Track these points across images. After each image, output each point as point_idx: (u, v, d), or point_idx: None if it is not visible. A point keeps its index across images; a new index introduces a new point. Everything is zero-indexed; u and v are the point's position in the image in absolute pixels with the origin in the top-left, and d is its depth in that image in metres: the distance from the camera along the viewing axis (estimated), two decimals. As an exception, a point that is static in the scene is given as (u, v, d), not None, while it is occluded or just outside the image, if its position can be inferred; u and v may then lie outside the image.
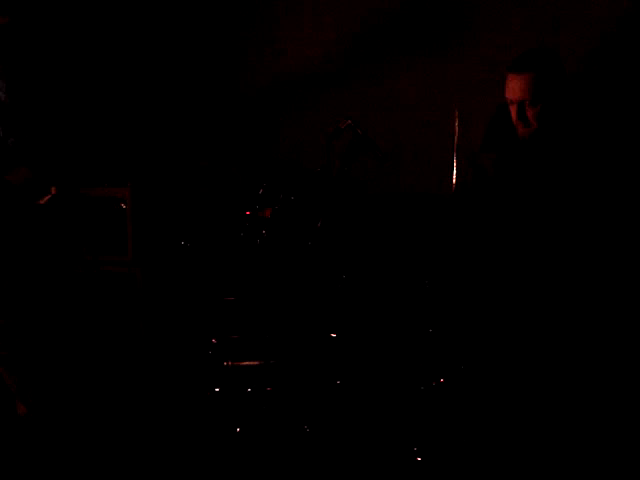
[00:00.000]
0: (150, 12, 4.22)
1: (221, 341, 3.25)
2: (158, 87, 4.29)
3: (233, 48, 4.19)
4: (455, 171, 2.98)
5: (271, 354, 3.15)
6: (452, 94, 3.56)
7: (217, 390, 3.14)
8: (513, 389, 2.73)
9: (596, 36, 3.45)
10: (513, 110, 2.76)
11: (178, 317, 3.69)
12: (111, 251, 3.88)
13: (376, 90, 3.90)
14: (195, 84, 4.27)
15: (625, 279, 2.69)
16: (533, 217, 2.75)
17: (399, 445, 2.84)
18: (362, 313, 3.07)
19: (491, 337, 2.79)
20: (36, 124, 3.01)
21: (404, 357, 2.99)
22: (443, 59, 3.77)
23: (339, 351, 3.05)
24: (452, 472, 2.76)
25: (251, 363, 3.18)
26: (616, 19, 3.41)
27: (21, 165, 2.95)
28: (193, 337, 3.48)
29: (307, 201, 3.06)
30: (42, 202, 2.97)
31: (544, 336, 2.69)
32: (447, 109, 3.11)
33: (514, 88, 2.73)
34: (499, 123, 2.93)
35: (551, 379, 2.69)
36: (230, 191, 3.76)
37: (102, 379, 3.58)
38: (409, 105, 3.85)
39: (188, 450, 2.99)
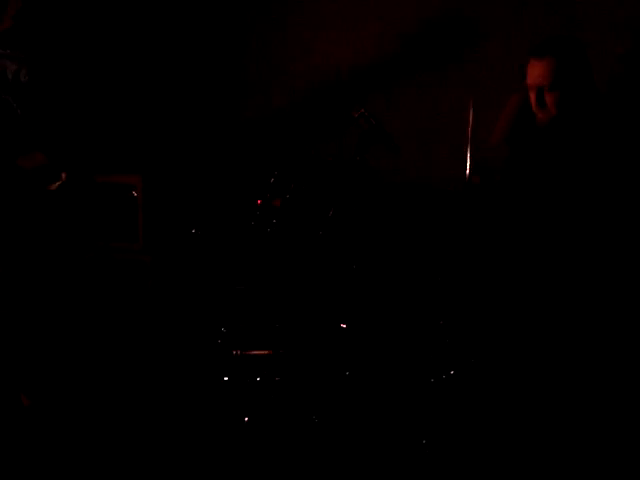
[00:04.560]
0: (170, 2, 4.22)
1: (230, 330, 3.24)
2: (173, 75, 4.28)
3: (244, 38, 4.18)
4: (469, 161, 2.95)
5: (280, 344, 3.14)
6: (468, 84, 3.55)
7: (226, 379, 3.13)
8: (522, 383, 2.71)
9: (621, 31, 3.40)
10: (532, 96, 2.73)
11: (188, 305, 3.69)
12: (122, 238, 3.88)
13: (389, 79, 3.88)
14: (208, 74, 4.25)
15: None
16: (549, 206, 2.72)
17: (407, 437, 2.83)
18: (372, 304, 3.06)
19: (502, 331, 2.77)
20: (52, 109, 3.01)
21: (414, 349, 2.97)
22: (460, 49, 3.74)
23: (349, 342, 3.04)
24: (460, 465, 2.74)
25: (260, 352, 3.17)
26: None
27: (36, 150, 2.95)
28: (202, 325, 3.47)
29: (319, 190, 3.05)
30: (53, 188, 2.97)
31: (556, 331, 2.67)
32: (462, 99, 3.08)
33: (534, 73, 2.70)
34: (523, 113, 2.89)
35: (561, 374, 2.66)
36: (241, 180, 3.75)
37: (111, 367, 3.57)
38: (423, 94, 3.82)
39: (196, 439, 2.99)
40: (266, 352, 3.16)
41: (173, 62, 4.27)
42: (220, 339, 3.23)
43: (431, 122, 3.79)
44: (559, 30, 3.42)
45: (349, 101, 3.69)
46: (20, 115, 2.96)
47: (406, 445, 2.81)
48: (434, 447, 2.77)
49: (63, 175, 2.99)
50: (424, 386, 2.91)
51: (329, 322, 3.07)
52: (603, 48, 3.34)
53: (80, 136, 3.18)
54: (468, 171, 2.91)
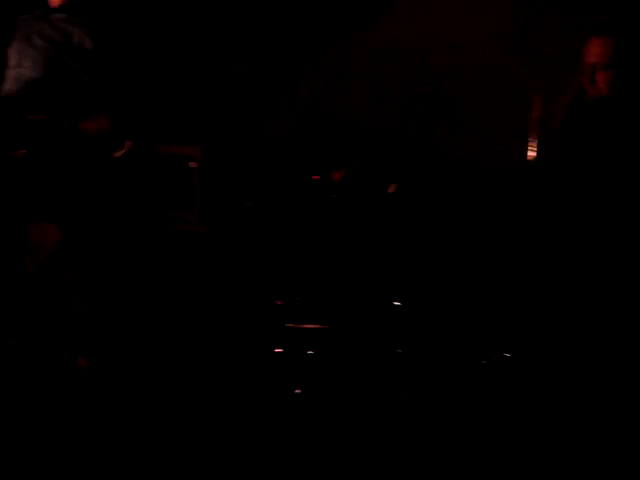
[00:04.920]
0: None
1: (285, 303, 3.27)
2: (234, 48, 4.29)
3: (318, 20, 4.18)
4: (532, 143, 2.93)
5: (334, 319, 3.16)
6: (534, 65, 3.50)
7: (278, 351, 3.16)
8: (577, 371, 2.69)
9: None
10: (586, 74, 2.70)
11: (242, 277, 3.72)
12: (178, 208, 3.92)
13: (453, 56, 3.85)
14: (267, 45, 4.26)
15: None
16: (600, 187, 2.68)
17: (455, 416, 2.83)
18: (429, 283, 3.06)
19: (561, 317, 2.74)
20: (116, 77, 3.03)
21: (468, 329, 2.97)
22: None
23: (402, 319, 3.05)
24: (509, 444, 2.73)
25: (313, 326, 3.19)
26: None
27: (101, 114, 2.98)
28: (257, 298, 3.50)
29: (380, 167, 3.04)
30: (118, 155, 3.00)
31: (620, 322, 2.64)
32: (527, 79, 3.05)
33: (590, 51, 2.68)
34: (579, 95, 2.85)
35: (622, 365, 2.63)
36: (301, 154, 3.75)
37: (164, 334, 3.62)
38: (488, 72, 3.79)
39: (247, 408, 3.02)
40: (319, 326, 3.18)
41: (240, 33, 4.28)
42: (274, 312, 3.26)
43: (497, 102, 3.76)
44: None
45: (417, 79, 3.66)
46: (85, 81, 2.99)
47: (454, 424, 2.82)
48: (482, 427, 2.77)
49: (128, 143, 3.01)
50: (475, 367, 2.91)
51: (384, 299, 3.08)
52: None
53: (142, 105, 3.20)
54: (529, 153, 2.89)
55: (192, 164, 3.84)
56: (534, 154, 2.98)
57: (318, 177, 3.24)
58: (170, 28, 4.16)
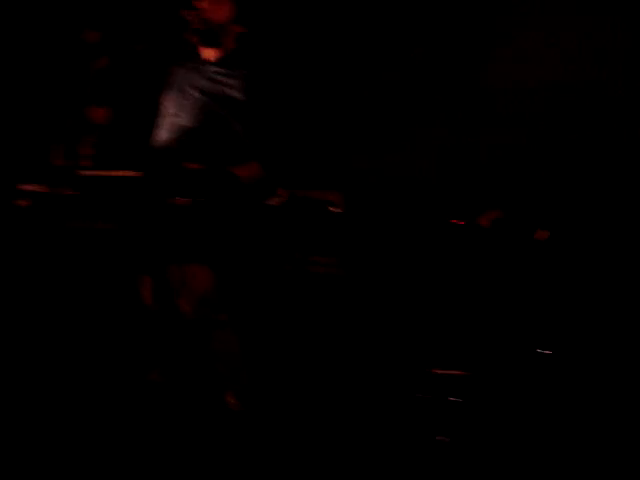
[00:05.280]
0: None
1: (425, 347, 3.25)
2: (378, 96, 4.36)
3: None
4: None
5: (477, 366, 3.12)
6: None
7: (418, 395, 3.15)
8: None
9: None
10: None
11: (382, 321, 3.73)
12: (318, 252, 3.98)
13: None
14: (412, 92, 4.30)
15: None
16: None
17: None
18: (580, 333, 2.97)
19: None
20: (267, 126, 3.14)
21: (622, 383, 2.86)
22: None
23: (553, 371, 2.97)
24: None
25: (455, 372, 3.16)
26: None
27: (253, 161, 3.09)
28: (396, 342, 3.50)
29: (530, 213, 3.01)
30: (272, 203, 3.10)
31: None
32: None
33: None
34: None
35: None
36: (443, 198, 3.75)
37: (305, 377, 3.66)
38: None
39: (387, 454, 3.01)
40: (461, 373, 3.15)
41: (378, 82, 4.34)
42: (413, 355, 3.25)
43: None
44: None
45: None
46: (237, 132, 3.12)
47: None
48: None
49: (284, 193, 3.11)
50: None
51: (533, 348, 3.02)
52: None
53: (288, 151, 3.29)
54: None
55: (333, 209, 3.91)
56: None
57: (462, 222, 3.23)
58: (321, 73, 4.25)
